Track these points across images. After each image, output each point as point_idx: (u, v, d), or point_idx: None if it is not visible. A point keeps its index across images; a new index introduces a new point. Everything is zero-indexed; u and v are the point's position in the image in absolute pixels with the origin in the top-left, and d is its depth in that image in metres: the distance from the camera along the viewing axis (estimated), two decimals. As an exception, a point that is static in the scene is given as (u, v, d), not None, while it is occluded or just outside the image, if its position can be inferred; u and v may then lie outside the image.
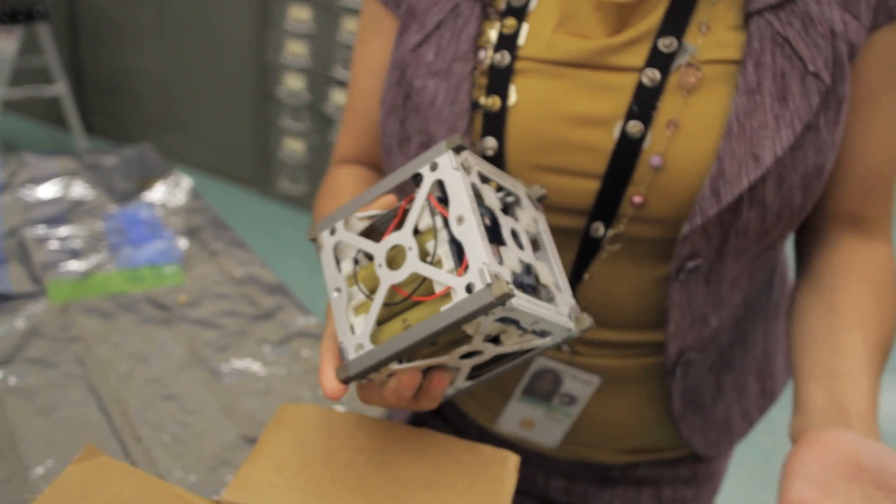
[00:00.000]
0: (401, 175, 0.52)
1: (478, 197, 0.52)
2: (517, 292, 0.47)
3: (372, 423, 0.53)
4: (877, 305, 0.66)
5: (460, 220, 0.48)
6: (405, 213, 0.53)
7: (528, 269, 0.53)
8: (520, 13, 0.65)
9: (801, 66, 0.60)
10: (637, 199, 0.62)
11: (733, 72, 0.61)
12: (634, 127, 0.61)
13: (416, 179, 0.51)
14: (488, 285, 0.45)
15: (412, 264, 0.49)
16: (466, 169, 0.50)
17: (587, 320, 0.53)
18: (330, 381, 0.50)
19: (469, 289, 0.46)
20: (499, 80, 0.64)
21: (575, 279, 0.68)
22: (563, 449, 0.78)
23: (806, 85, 0.60)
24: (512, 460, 0.52)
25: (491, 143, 0.64)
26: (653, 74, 0.61)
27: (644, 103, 0.61)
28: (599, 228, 0.64)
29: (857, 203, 0.69)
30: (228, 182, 3.20)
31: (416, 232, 0.51)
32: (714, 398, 0.79)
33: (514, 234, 0.54)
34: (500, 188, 0.58)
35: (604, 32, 0.63)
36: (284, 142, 2.98)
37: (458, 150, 0.50)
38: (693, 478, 0.83)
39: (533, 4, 0.65)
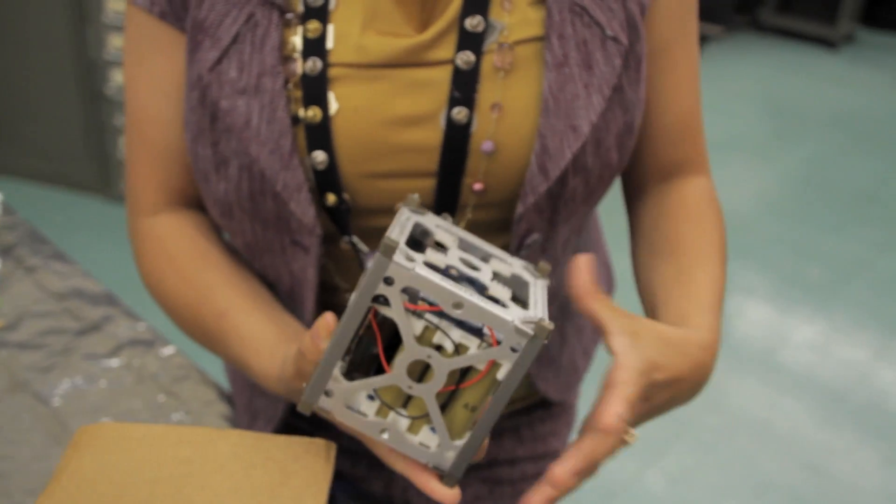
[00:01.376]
0: (358, 310, 0.48)
1: (435, 268, 0.51)
2: (546, 321, 0.48)
3: (177, 433, 0.50)
4: (699, 226, 0.69)
5: (457, 305, 0.47)
6: (380, 327, 0.50)
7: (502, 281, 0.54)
8: (321, 14, 0.61)
9: (599, 32, 0.61)
10: (477, 186, 0.62)
11: (541, 48, 0.61)
12: (459, 113, 0.60)
13: (381, 300, 0.48)
14: (532, 337, 0.47)
15: (444, 366, 0.48)
16: (411, 257, 0.48)
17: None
18: (442, 491, 0.52)
19: (515, 349, 0.48)
20: (314, 89, 0.60)
21: None
22: None
23: (607, 49, 0.62)
24: (328, 449, 0.50)
25: (320, 157, 0.61)
26: (467, 57, 0.60)
27: (464, 87, 0.60)
28: (447, 219, 0.64)
29: (672, 151, 0.72)
30: (66, 190, 3.02)
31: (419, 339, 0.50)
32: (560, 347, 0.81)
33: (468, 264, 0.54)
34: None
35: (411, 26, 0.61)
36: (121, 141, 2.84)
37: (389, 251, 0.46)
38: (548, 415, 0.86)
39: (333, 3, 0.61)
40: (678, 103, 0.70)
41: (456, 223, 0.65)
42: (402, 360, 0.48)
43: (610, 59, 0.61)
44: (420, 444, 0.51)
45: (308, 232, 0.63)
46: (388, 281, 0.47)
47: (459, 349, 0.49)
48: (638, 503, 1.93)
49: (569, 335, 0.83)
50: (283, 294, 0.71)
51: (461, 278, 0.52)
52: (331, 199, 0.63)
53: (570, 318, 0.83)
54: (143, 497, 0.46)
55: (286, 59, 0.61)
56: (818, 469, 2.05)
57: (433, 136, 0.61)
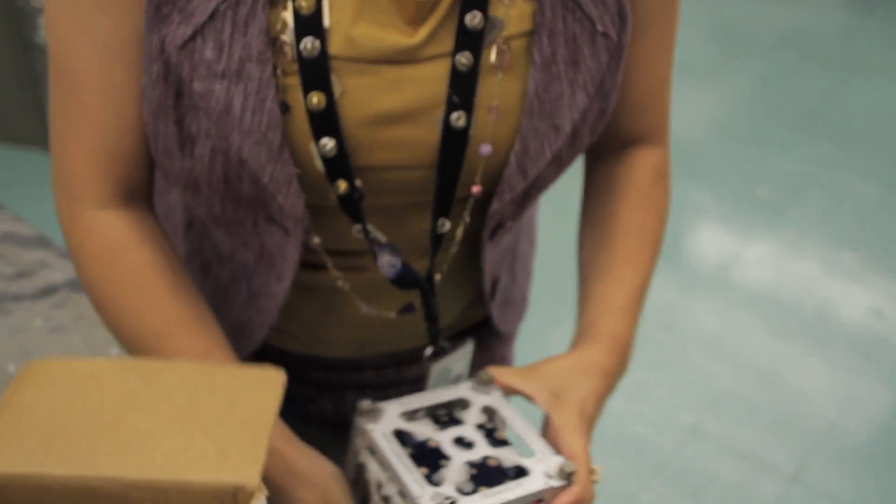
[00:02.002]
0: None
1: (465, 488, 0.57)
2: (566, 463, 0.57)
3: (123, 366, 0.50)
4: (644, 210, 0.73)
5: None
6: None
7: (482, 465, 0.59)
8: None
9: (590, 27, 0.59)
10: (475, 189, 0.61)
11: (529, 44, 0.58)
12: (459, 119, 0.57)
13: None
14: (565, 484, 0.57)
15: None
16: None
17: (570, 466, 0.58)
18: None
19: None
20: (314, 72, 0.54)
21: (429, 278, 0.67)
22: (373, 349, 0.78)
23: (595, 45, 0.59)
24: (276, 377, 0.50)
25: (329, 144, 0.56)
26: (465, 59, 0.56)
27: (462, 90, 0.57)
28: (445, 224, 0.63)
29: (635, 122, 0.72)
30: (3, 146, 2.94)
31: None
32: (512, 286, 0.85)
33: (460, 441, 0.60)
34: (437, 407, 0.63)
35: (404, 17, 0.56)
36: (58, 91, 2.75)
37: None
38: (490, 331, 0.87)
39: None
40: (650, 76, 0.69)
41: (456, 229, 0.65)
42: None
43: (597, 56, 0.59)
44: None
45: (294, 221, 0.60)
46: None
47: None
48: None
49: (517, 271, 0.85)
50: (250, 259, 0.68)
51: (488, 476, 0.58)
52: (342, 186, 0.58)
53: (518, 258, 0.84)
54: (86, 427, 0.46)
55: (273, 39, 0.54)
56: (769, 378, 2.10)
57: (427, 133, 0.58)
